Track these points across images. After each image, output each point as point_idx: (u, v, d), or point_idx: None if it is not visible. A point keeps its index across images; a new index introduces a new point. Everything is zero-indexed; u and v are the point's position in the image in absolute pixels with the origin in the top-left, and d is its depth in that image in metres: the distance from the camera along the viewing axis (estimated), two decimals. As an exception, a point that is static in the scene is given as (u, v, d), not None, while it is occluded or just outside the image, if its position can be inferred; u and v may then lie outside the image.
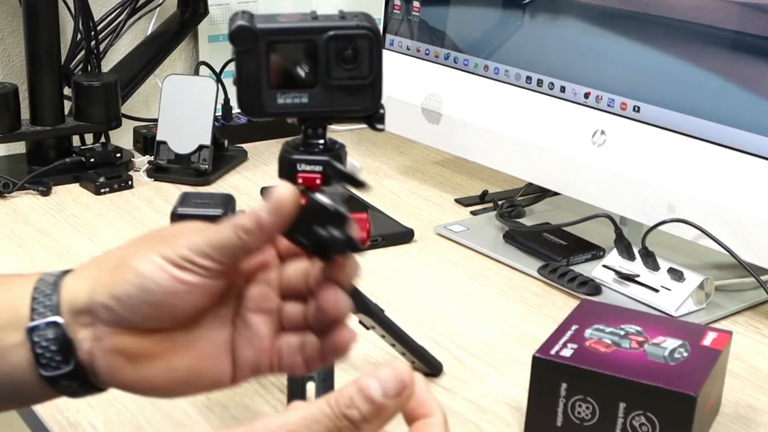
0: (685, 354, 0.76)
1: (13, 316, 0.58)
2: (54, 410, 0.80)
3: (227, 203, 0.75)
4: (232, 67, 0.70)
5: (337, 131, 1.44)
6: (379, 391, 0.49)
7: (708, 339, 0.79)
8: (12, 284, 0.61)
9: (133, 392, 0.59)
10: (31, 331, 0.57)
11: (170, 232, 0.59)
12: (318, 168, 0.71)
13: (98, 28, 1.43)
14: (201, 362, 0.59)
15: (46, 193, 1.26)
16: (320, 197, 0.60)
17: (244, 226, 0.56)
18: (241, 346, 0.60)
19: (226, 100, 1.46)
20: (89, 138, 1.41)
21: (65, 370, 0.57)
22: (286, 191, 0.58)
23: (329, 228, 0.59)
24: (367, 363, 0.88)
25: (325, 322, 0.59)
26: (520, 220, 1.18)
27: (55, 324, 0.57)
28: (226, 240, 0.56)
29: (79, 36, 1.38)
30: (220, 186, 1.31)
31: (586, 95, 1.07)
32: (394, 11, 1.29)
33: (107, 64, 1.46)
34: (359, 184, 0.61)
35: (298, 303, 0.60)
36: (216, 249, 0.56)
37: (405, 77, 1.26)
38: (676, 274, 0.98)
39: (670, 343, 0.78)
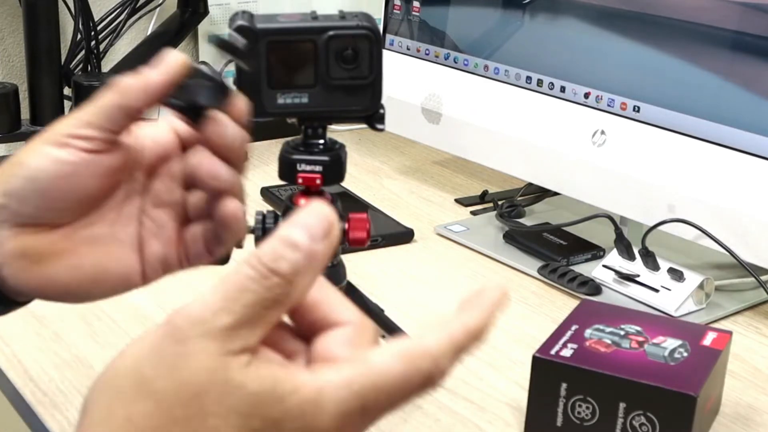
0: (685, 354, 0.76)
1: None
2: (54, 410, 0.80)
3: (227, 203, 0.75)
4: (232, 67, 0.70)
5: (337, 131, 1.44)
6: (305, 235, 0.42)
7: (708, 339, 0.79)
8: None
9: (42, 297, 0.59)
10: None
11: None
12: (318, 168, 0.72)
13: (98, 28, 1.43)
14: (106, 259, 0.58)
15: (46, 193, 1.26)
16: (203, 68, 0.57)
17: (126, 84, 0.55)
18: (148, 241, 0.59)
19: (226, 100, 1.45)
20: (89, 138, 1.41)
21: None
22: (177, 57, 0.56)
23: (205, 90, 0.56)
24: (367, 363, 0.88)
25: (209, 195, 0.58)
26: (520, 220, 1.18)
27: None
28: (106, 102, 0.55)
29: (79, 36, 1.38)
30: (220, 186, 1.31)
31: (586, 95, 1.07)
32: (394, 11, 1.29)
33: (107, 64, 1.46)
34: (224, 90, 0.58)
35: (197, 190, 0.59)
36: (96, 115, 0.55)
37: (405, 77, 1.26)
38: (676, 274, 0.98)
39: (670, 343, 0.78)
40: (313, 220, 0.42)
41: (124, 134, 0.57)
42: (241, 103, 0.57)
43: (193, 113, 0.56)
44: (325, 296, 0.45)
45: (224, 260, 0.74)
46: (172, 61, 0.55)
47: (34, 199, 0.55)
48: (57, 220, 0.56)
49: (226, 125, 0.56)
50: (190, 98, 0.56)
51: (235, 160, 0.58)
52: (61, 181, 0.55)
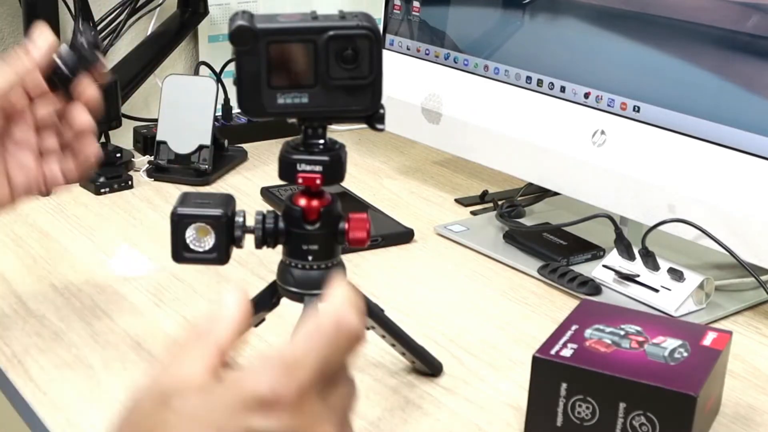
0: (685, 354, 0.76)
1: None
2: (54, 410, 0.80)
3: (227, 203, 0.75)
4: (232, 67, 0.70)
5: (337, 131, 1.44)
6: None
7: (708, 339, 0.79)
8: None
9: None
10: None
11: None
12: (318, 168, 0.72)
13: (98, 28, 1.43)
14: None
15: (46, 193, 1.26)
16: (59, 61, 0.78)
17: (23, 66, 0.76)
18: (14, 173, 0.79)
19: (226, 100, 1.46)
20: (89, 138, 1.41)
21: None
22: (46, 38, 0.77)
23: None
24: (367, 363, 0.88)
25: (77, 139, 0.80)
26: (520, 220, 1.18)
27: None
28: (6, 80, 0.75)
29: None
30: (220, 186, 1.31)
31: (586, 95, 1.07)
32: (394, 11, 1.29)
33: (107, 64, 1.46)
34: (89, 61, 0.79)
35: (51, 133, 0.79)
36: None
37: (405, 77, 1.26)
38: (676, 274, 0.98)
39: (670, 343, 0.78)
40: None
41: None
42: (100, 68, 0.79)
43: (64, 85, 0.79)
44: None
45: (225, 260, 0.75)
46: (45, 42, 0.76)
47: None
48: None
49: (93, 89, 0.78)
50: (60, 73, 0.78)
51: (93, 111, 0.80)
52: None
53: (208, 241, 0.74)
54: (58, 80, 0.79)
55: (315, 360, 0.46)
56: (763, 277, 0.96)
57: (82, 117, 0.79)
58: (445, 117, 1.22)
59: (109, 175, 1.28)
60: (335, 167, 0.72)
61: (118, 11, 1.47)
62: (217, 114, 1.33)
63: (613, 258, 1.03)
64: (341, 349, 0.47)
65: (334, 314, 0.47)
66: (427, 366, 0.87)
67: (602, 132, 1.05)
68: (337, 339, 0.47)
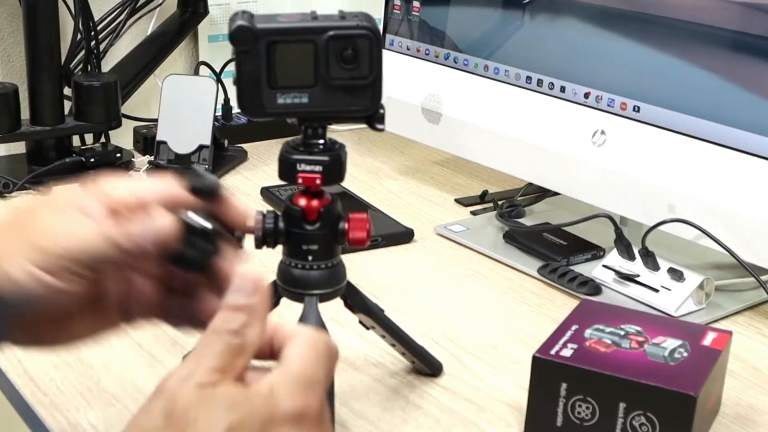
0: (685, 354, 0.76)
1: None
2: (54, 410, 0.80)
3: (227, 203, 0.75)
4: (232, 67, 0.70)
5: (337, 131, 1.44)
6: (240, 297, 0.54)
7: (708, 339, 0.79)
8: None
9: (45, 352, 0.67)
10: None
11: (38, 228, 0.57)
12: (318, 168, 0.72)
13: (98, 28, 1.43)
14: (98, 325, 0.63)
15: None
16: (192, 218, 0.60)
17: (122, 246, 0.57)
18: (131, 305, 0.63)
19: (226, 100, 1.46)
20: (89, 138, 1.41)
21: None
22: (169, 227, 0.58)
23: (200, 244, 0.60)
24: (366, 363, 0.88)
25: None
26: (520, 220, 1.18)
27: None
28: (100, 253, 0.57)
29: (79, 36, 1.38)
30: (220, 186, 1.31)
31: (586, 95, 1.07)
32: (394, 11, 1.29)
33: (107, 64, 1.46)
34: (212, 192, 0.63)
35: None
36: (90, 258, 0.57)
37: (405, 77, 1.26)
38: (676, 274, 0.98)
39: (670, 343, 0.78)
40: (242, 283, 0.55)
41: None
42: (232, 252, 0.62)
43: (198, 269, 0.61)
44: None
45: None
46: (165, 232, 0.58)
47: (31, 309, 0.58)
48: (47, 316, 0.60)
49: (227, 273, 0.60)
50: (191, 261, 0.60)
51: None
52: (52, 301, 0.58)
53: (209, 242, 0.74)
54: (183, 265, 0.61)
55: (325, 377, 0.54)
56: (763, 277, 0.96)
57: (214, 306, 0.58)
58: (445, 117, 1.22)
59: (109, 175, 1.27)
60: (335, 167, 0.72)
61: (118, 11, 1.47)
62: (217, 114, 1.33)
63: (613, 258, 1.03)
64: (333, 367, 0.56)
65: (322, 336, 0.56)
66: (427, 366, 0.87)
67: (602, 132, 1.05)
68: (330, 358, 0.56)
